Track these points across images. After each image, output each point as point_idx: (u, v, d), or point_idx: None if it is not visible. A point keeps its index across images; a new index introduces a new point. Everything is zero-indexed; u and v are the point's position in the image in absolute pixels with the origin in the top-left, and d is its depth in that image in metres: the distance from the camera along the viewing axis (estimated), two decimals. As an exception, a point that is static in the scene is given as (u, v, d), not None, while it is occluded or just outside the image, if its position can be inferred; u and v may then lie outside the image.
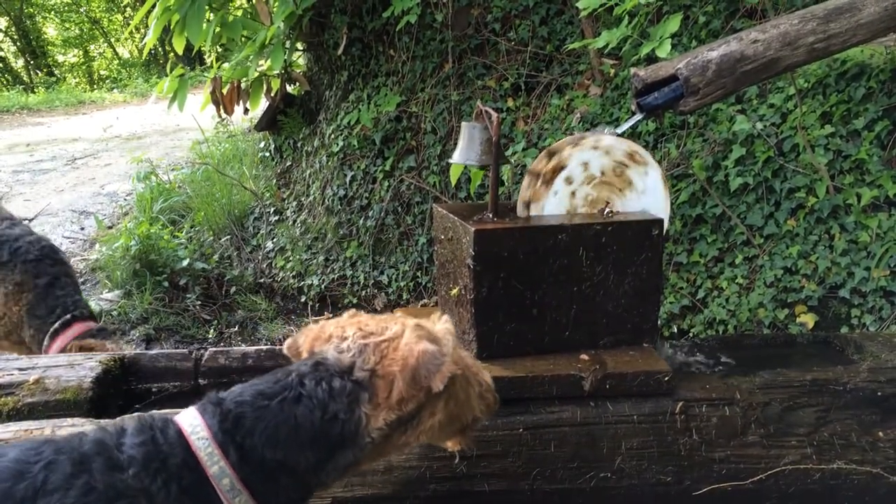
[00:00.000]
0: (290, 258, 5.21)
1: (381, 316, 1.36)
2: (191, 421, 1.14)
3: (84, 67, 22.15)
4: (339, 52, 4.96)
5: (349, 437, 1.18)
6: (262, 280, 5.30)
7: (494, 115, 1.97)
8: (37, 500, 1.01)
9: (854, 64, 3.17)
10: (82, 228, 6.53)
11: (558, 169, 2.06)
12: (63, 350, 2.88)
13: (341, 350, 1.24)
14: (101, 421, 1.73)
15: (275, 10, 4.64)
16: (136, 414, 1.18)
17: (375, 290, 4.73)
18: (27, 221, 6.62)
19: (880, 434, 1.99)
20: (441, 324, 1.35)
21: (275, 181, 6.08)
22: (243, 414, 1.15)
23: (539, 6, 4.27)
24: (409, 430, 1.27)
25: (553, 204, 2.08)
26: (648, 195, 2.13)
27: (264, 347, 2.21)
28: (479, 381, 1.43)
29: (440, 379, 1.21)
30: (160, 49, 18.51)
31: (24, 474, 1.03)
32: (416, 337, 1.25)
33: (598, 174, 2.09)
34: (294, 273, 5.13)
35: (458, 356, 1.37)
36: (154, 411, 1.24)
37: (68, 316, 2.96)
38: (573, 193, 2.09)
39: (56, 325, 2.94)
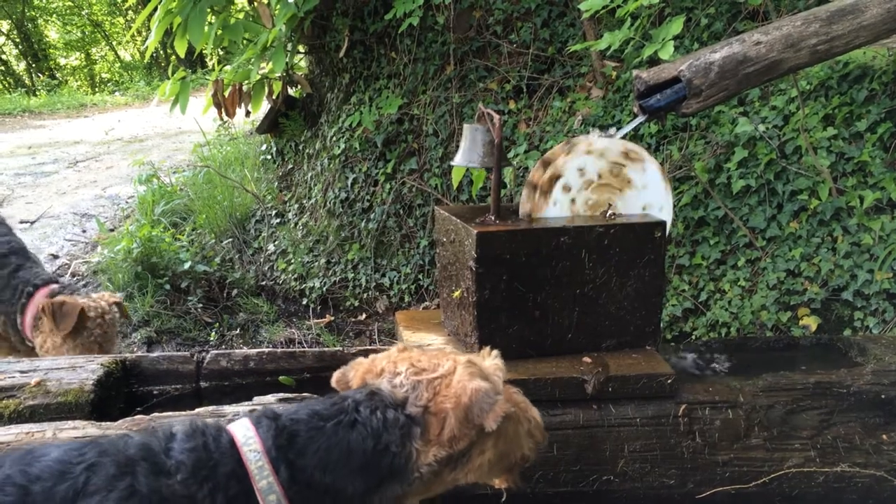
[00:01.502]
0: (292, 261, 5.20)
1: (432, 352, 1.36)
2: (244, 432, 1.13)
3: (86, 70, 22.18)
4: (341, 54, 4.97)
5: (398, 470, 1.18)
6: (263, 283, 5.30)
7: (496, 117, 1.97)
8: (77, 501, 1.00)
9: (856, 66, 3.17)
10: (84, 231, 6.53)
11: (555, 178, 2.06)
12: (35, 317, 2.90)
13: (395, 385, 1.24)
14: (104, 424, 1.73)
15: (276, 12, 4.64)
16: (188, 419, 1.17)
17: (377, 293, 4.73)
18: (28, 224, 6.63)
19: (884, 437, 1.98)
20: (491, 360, 1.35)
21: (276, 184, 6.08)
22: (297, 432, 1.14)
23: (541, 8, 4.27)
24: (458, 468, 1.27)
25: (554, 213, 2.08)
26: (649, 190, 2.12)
27: (266, 350, 2.20)
28: (528, 419, 1.43)
29: (493, 418, 1.20)
30: (162, 52, 18.53)
31: (66, 475, 1.02)
32: (468, 374, 1.25)
33: (596, 178, 2.09)
34: (296, 276, 5.13)
35: (508, 394, 1.36)
36: (206, 417, 1.22)
37: (30, 287, 2.97)
38: (573, 200, 2.08)
39: (22, 300, 2.96)
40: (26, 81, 20.09)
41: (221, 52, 7.76)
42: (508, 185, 3.92)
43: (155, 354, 2.22)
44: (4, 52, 20.75)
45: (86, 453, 1.05)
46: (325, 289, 4.92)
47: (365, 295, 4.77)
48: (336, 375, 1.35)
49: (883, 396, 2.01)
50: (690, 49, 3.59)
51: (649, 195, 2.12)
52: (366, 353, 2.31)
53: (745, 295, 3.19)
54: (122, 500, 1.00)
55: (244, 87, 5.08)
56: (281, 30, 4.79)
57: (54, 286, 3.02)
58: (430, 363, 1.28)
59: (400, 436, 1.18)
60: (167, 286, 5.06)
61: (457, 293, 2.09)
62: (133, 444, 1.08)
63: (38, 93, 17.98)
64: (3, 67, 20.51)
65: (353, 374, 1.33)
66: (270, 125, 6.06)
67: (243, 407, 1.94)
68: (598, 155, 2.07)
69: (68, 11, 21.16)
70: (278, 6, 4.64)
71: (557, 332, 2.03)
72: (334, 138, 5.11)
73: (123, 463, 1.04)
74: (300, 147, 5.82)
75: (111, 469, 1.03)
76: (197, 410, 1.79)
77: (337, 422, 1.17)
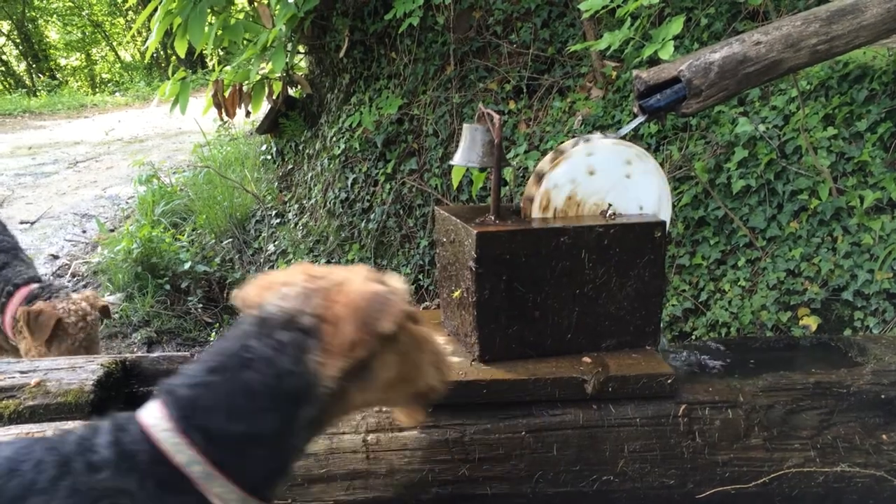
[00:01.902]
0: (292, 261, 5.20)
1: (336, 267, 1.31)
2: (153, 414, 1.11)
3: (86, 71, 22.20)
4: (341, 54, 4.97)
5: (304, 390, 1.13)
6: (263, 283, 5.29)
7: (496, 116, 1.97)
8: (27, 499, 1.01)
9: (857, 66, 3.17)
10: (84, 231, 6.53)
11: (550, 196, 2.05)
12: (13, 317, 2.88)
13: (286, 298, 1.18)
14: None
15: (276, 12, 4.64)
16: (113, 412, 1.17)
17: (377, 293, 4.72)
18: (29, 225, 6.63)
19: (884, 437, 1.98)
20: (396, 281, 1.30)
21: (276, 184, 6.09)
22: (198, 396, 1.11)
23: (541, 8, 4.27)
24: (365, 385, 1.22)
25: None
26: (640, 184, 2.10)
27: (266, 350, 2.20)
28: (432, 350, 1.40)
29: (390, 319, 1.15)
30: (162, 52, 18.54)
31: (15, 472, 1.03)
32: (364, 280, 1.21)
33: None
34: (296, 276, 5.12)
35: (410, 316, 1.33)
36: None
37: (10, 287, 2.96)
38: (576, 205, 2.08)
39: (2, 299, 2.94)
40: (26, 82, 20.11)
41: (221, 53, 7.77)
42: (509, 185, 3.92)
43: (155, 355, 2.22)
44: (5, 53, 20.77)
45: (33, 451, 1.06)
46: (325, 289, 4.91)
47: (365, 295, 4.77)
48: (238, 295, 1.29)
49: (883, 396, 2.01)
50: (690, 49, 3.59)
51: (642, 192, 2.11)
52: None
53: (745, 295, 3.19)
54: (66, 499, 1.02)
55: (244, 88, 5.08)
56: (281, 30, 4.80)
57: (34, 287, 2.98)
58: (327, 272, 1.23)
59: (296, 354, 1.13)
60: (167, 286, 5.06)
61: (456, 293, 2.08)
62: (70, 441, 1.09)
63: (38, 93, 18.00)
64: (3, 68, 20.52)
65: (253, 292, 1.26)
66: (270, 125, 6.07)
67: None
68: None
69: (68, 12, 21.18)
70: (278, 6, 4.65)
71: (557, 332, 2.03)
72: (334, 138, 5.11)
73: (62, 461, 1.05)
74: (300, 147, 5.83)
75: (53, 468, 1.04)
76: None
77: (232, 368, 1.12)
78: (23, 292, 2.94)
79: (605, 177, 2.06)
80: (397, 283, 1.27)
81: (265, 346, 1.13)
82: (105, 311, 3.08)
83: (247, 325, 1.18)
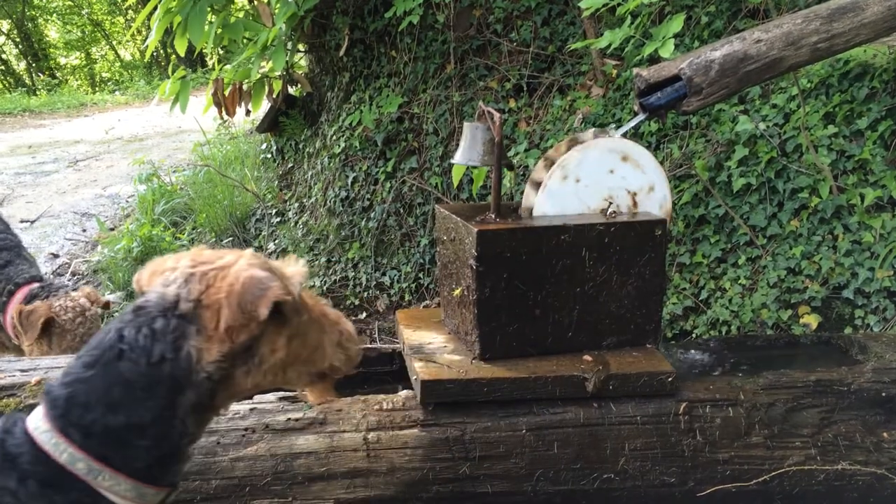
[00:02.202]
0: (292, 260, 5.20)
1: (227, 250, 1.28)
2: (35, 415, 1.13)
3: (86, 70, 22.17)
4: (341, 53, 4.97)
5: (182, 377, 1.13)
6: (263, 281, 5.29)
7: (497, 115, 1.96)
8: None
9: (857, 64, 3.16)
10: (84, 230, 6.53)
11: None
12: (13, 317, 2.88)
13: (167, 283, 1.17)
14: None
15: (276, 11, 4.64)
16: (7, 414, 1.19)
17: (377, 292, 4.73)
18: (29, 223, 6.63)
19: (885, 435, 1.98)
20: (294, 265, 1.29)
21: (276, 183, 6.08)
22: (74, 392, 1.11)
23: (541, 7, 4.27)
24: (251, 369, 1.20)
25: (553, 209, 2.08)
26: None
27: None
28: (338, 330, 1.39)
29: (265, 304, 1.14)
30: (162, 51, 18.52)
31: None
32: (247, 264, 1.19)
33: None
34: (296, 274, 5.12)
35: (314, 302, 1.33)
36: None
37: (11, 286, 2.95)
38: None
39: (3, 298, 2.94)
40: (26, 81, 20.09)
41: (221, 51, 7.76)
42: (509, 184, 3.92)
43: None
44: (4, 52, 20.75)
45: None
46: (325, 287, 4.92)
47: (365, 293, 4.77)
48: (134, 279, 1.29)
49: (884, 394, 2.01)
50: (691, 47, 3.59)
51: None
52: (366, 352, 2.32)
53: (746, 293, 3.19)
54: None
55: (244, 86, 5.07)
56: (281, 28, 4.79)
57: (35, 286, 2.98)
58: (213, 256, 1.22)
59: (172, 340, 1.12)
60: (168, 285, 5.05)
61: (457, 291, 2.08)
62: None
63: (38, 92, 17.99)
64: (3, 67, 20.51)
65: (144, 277, 1.26)
66: (270, 124, 6.06)
67: (244, 406, 1.94)
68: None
69: (68, 11, 21.15)
70: (278, 5, 4.64)
71: (558, 330, 2.03)
72: (334, 137, 5.11)
73: None
74: (300, 146, 5.82)
75: None
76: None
77: (106, 361, 1.12)
78: (23, 291, 2.94)
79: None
80: (292, 267, 1.26)
81: (140, 335, 1.12)
82: (106, 307, 3.08)
83: (126, 314, 1.18)
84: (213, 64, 6.37)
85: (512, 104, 4.29)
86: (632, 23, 2.96)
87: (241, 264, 1.19)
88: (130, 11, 19.65)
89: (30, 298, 2.90)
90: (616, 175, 2.06)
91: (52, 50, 21.66)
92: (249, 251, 1.25)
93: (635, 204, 2.09)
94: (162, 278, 1.19)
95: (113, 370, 1.11)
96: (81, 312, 2.88)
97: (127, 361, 1.11)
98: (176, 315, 1.13)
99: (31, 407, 1.87)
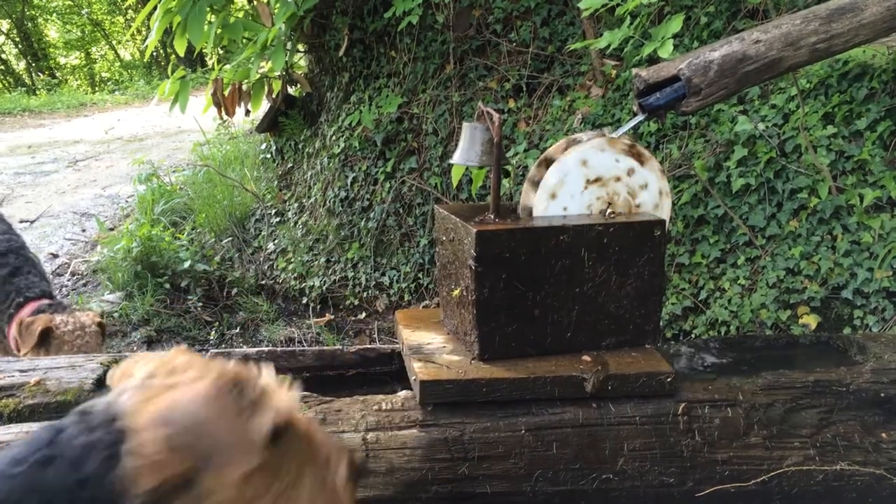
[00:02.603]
0: (292, 260, 5.20)
1: (206, 361, 1.08)
2: None
3: (85, 69, 22.17)
4: (341, 53, 4.97)
5: (107, 501, 0.97)
6: (263, 282, 5.30)
7: (496, 115, 1.96)
8: None
9: (856, 64, 3.17)
10: (84, 230, 6.53)
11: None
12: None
13: (122, 391, 1.03)
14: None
15: (276, 11, 4.64)
16: None
17: (377, 292, 4.73)
18: (28, 223, 6.63)
19: (883, 435, 1.98)
20: (286, 392, 1.07)
21: (276, 183, 6.08)
22: None
23: (540, 7, 4.27)
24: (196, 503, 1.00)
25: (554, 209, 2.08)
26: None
27: (266, 349, 2.20)
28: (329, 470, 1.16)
29: (200, 447, 0.96)
30: (162, 51, 18.53)
31: None
32: (206, 387, 1.00)
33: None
34: (295, 275, 5.13)
35: (298, 421, 1.09)
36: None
37: (21, 298, 2.95)
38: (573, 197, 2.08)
39: (11, 310, 2.94)
40: (26, 81, 20.09)
41: (221, 51, 7.76)
42: (509, 185, 3.92)
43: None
44: (4, 52, 20.75)
45: None
46: (324, 288, 4.92)
47: (365, 294, 4.77)
48: (110, 373, 1.15)
49: (882, 395, 2.01)
50: (690, 47, 3.59)
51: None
52: (365, 352, 2.32)
53: (745, 293, 3.19)
54: None
55: (244, 86, 5.08)
56: (280, 28, 4.79)
57: (44, 302, 2.97)
58: (187, 366, 1.05)
59: (102, 459, 0.97)
60: (167, 285, 5.06)
61: (456, 292, 2.08)
62: None
63: (37, 92, 17.98)
64: (2, 67, 20.51)
65: (118, 374, 1.12)
66: (270, 124, 6.06)
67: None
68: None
69: (68, 10, 21.15)
70: (278, 5, 4.64)
71: (557, 330, 2.03)
72: (334, 137, 5.11)
73: None
74: (300, 146, 5.82)
75: None
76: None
77: (32, 462, 0.99)
78: (32, 306, 2.93)
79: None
80: (280, 397, 1.05)
81: (76, 444, 0.99)
82: (101, 327, 3.06)
83: (71, 415, 1.05)
84: (213, 64, 6.37)
85: (511, 104, 4.29)
86: (631, 23, 2.96)
87: (198, 386, 1.00)
88: (130, 11, 19.66)
89: (36, 314, 2.91)
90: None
91: (51, 50, 21.66)
92: (233, 365, 1.07)
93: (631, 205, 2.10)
94: (122, 384, 1.06)
95: (37, 476, 0.98)
96: (81, 327, 2.88)
97: (53, 470, 0.98)
98: (116, 428, 0.99)
99: (31, 408, 1.88)
